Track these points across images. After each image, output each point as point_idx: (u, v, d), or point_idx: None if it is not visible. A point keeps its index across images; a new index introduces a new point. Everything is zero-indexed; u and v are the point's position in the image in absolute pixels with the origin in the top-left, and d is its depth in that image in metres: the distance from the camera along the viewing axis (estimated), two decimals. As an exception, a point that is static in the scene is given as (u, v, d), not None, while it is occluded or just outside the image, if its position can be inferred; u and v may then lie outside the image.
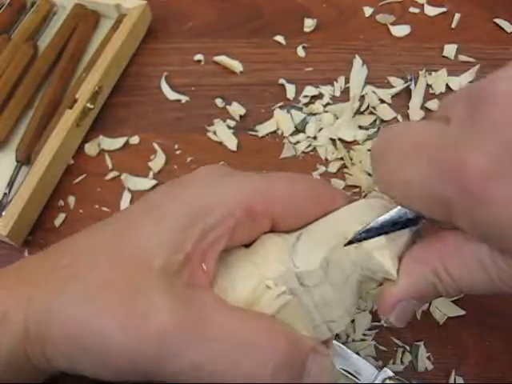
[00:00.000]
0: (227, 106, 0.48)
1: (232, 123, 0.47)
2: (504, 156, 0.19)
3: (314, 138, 0.46)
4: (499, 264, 0.22)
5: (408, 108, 0.47)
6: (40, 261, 0.26)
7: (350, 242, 0.25)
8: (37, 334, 0.23)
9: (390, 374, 0.31)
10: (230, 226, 0.25)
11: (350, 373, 0.29)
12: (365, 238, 0.25)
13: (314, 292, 0.25)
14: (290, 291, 0.25)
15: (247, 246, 0.27)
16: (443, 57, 0.49)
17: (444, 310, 0.37)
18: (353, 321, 0.37)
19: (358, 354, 0.33)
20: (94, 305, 0.23)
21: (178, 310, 0.23)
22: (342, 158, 0.44)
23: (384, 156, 0.24)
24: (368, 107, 0.47)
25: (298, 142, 0.46)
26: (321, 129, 0.46)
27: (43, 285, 0.24)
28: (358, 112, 0.47)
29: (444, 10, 0.52)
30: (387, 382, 0.31)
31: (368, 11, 0.52)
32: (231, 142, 0.46)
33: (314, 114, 0.47)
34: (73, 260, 0.25)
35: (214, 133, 0.47)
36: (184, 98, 0.49)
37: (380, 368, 0.33)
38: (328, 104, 0.47)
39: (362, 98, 0.47)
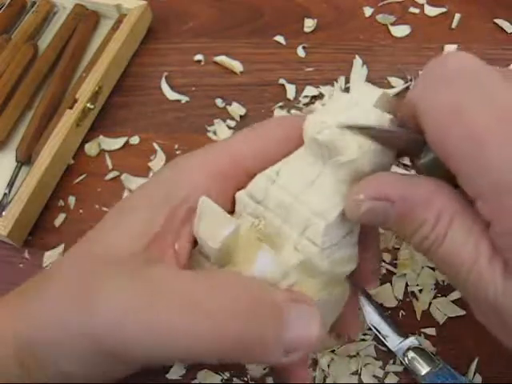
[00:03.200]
0: (227, 106, 0.48)
1: (232, 123, 0.47)
2: None
3: (314, 138, 0.46)
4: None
5: (408, 108, 0.47)
6: (34, 278, 0.27)
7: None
8: (26, 342, 0.24)
9: (416, 343, 0.31)
10: (199, 197, 0.24)
11: (378, 331, 0.29)
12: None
13: (272, 205, 0.24)
14: (253, 215, 0.25)
15: None
16: (443, 57, 0.49)
17: (444, 310, 0.37)
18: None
19: (383, 314, 0.32)
20: (50, 302, 0.24)
21: (126, 291, 0.22)
22: (342, 158, 0.44)
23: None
24: (368, 107, 0.47)
25: (298, 142, 0.46)
26: (321, 129, 0.46)
27: (26, 298, 0.25)
28: (358, 112, 0.47)
29: (444, 10, 0.52)
30: (410, 353, 0.31)
31: (368, 11, 0.52)
32: (231, 142, 0.46)
33: (314, 114, 0.47)
34: (57, 268, 0.26)
35: (214, 133, 0.47)
36: (184, 98, 0.49)
37: (405, 336, 0.32)
38: (328, 104, 0.47)
39: (362, 98, 0.47)
